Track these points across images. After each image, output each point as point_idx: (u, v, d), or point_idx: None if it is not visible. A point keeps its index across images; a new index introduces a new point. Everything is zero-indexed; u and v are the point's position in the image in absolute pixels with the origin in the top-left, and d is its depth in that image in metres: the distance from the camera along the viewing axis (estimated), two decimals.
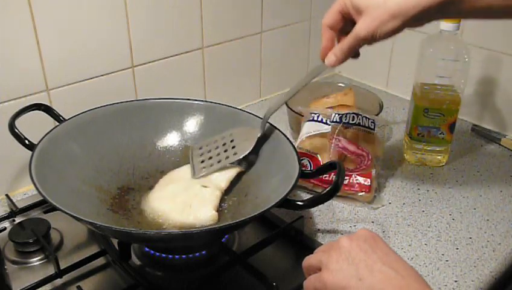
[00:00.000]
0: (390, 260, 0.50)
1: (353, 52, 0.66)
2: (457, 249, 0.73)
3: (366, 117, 0.86)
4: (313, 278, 0.52)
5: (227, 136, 0.77)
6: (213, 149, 0.77)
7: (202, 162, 0.76)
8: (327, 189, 0.62)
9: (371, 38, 0.62)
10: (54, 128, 0.72)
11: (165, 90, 0.96)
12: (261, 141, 0.76)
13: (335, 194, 0.63)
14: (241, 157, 0.74)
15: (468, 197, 0.84)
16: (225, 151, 0.75)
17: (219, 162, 0.74)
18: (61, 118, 0.77)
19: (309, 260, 0.55)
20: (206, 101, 0.83)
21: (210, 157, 0.76)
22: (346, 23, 0.66)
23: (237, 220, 0.60)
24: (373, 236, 0.52)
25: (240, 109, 0.82)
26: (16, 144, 0.71)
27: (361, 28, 0.62)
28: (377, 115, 0.95)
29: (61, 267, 0.65)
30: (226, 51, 1.04)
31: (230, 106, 0.81)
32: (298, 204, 0.64)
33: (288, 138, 0.74)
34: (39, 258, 0.70)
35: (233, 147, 0.75)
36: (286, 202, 0.62)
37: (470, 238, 0.75)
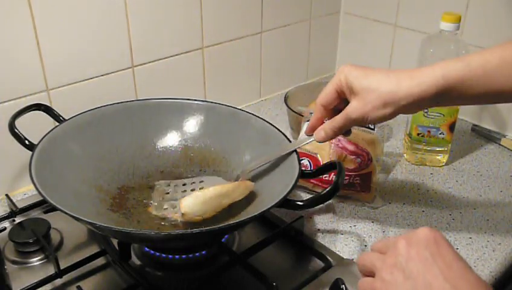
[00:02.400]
0: (454, 275, 0.43)
1: (343, 131, 0.66)
2: (457, 249, 0.73)
3: None
4: (366, 284, 0.48)
5: (197, 182, 0.74)
6: (180, 192, 0.73)
7: (165, 195, 0.72)
8: (327, 189, 0.62)
9: (362, 121, 0.63)
10: (53, 128, 0.72)
11: (165, 90, 0.96)
12: (261, 141, 0.76)
13: (335, 194, 0.63)
14: None
15: (468, 197, 0.84)
16: (192, 190, 0.72)
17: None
18: (61, 118, 0.77)
19: (363, 260, 0.50)
20: (206, 101, 0.83)
21: (175, 192, 0.73)
22: (341, 101, 0.65)
23: (237, 220, 0.60)
24: (436, 240, 0.45)
25: (240, 109, 0.82)
26: (16, 144, 0.71)
27: (354, 110, 0.62)
28: None
29: (61, 267, 0.65)
30: (226, 51, 1.04)
31: (230, 106, 0.81)
32: (298, 204, 0.64)
33: (288, 138, 0.74)
34: (39, 258, 0.70)
35: (201, 189, 0.71)
36: (286, 202, 0.62)
37: (470, 238, 0.75)
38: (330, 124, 0.66)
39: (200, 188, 0.72)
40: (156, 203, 0.72)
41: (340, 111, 0.65)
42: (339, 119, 0.64)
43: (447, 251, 0.45)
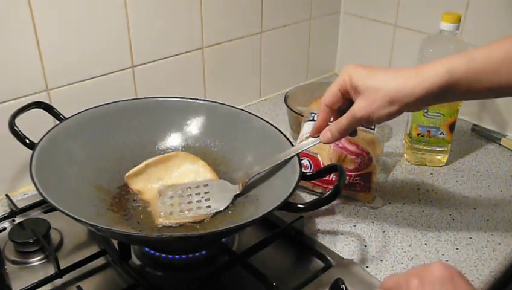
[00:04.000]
0: None
1: (349, 131, 0.66)
2: (457, 249, 0.73)
3: None
4: None
5: (202, 186, 0.74)
6: (185, 195, 0.73)
7: (171, 205, 0.71)
8: (328, 192, 0.62)
9: (367, 120, 0.62)
10: (54, 127, 0.72)
11: (165, 90, 0.96)
12: (261, 141, 0.76)
13: (336, 198, 0.63)
14: (213, 212, 0.70)
15: (468, 197, 0.84)
16: (198, 201, 0.71)
17: (189, 210, 0.70)
18: (61, 116, 0.77)
19: None
20: (207, 101, 0.83)
21: (180, 203, 0.71)
22: (345, 101, 0.65)
23: (237, 224, 0.60)
24: (452, 277, 0.42)
25: (241, 109, 0.82)
26: (16, 144, 0.71)
27: (359, 109, 0.62)
28: None
29: (61, 267, 0.65)
30: (226, 51, 1.04)
31: (231, 106, 0.81)
32: (299, 207, 0.64)
33: (288, 138, 0.74)
34: (39, 258, 0.70)
35: (207, 200, 0.71)
36: (287, 205, 0.62)
37: (470, 238, 0.75)
38: (335, 126, 0.65)
39: (205, 194, 0.72)
40: (163, 213, 0.70)
41: (345, 111, 0.65)
42: (344, 120, 0.64)
43: (464, 289, 0.42)
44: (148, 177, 0.75)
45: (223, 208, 0.70)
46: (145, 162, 0.76)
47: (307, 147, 0.71)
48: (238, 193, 0.71)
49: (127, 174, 0.75)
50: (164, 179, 0.76)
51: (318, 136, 0.68)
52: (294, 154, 0.70)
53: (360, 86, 0.61)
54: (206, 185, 0.74)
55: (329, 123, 0.68)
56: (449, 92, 0.58)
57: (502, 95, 0.60)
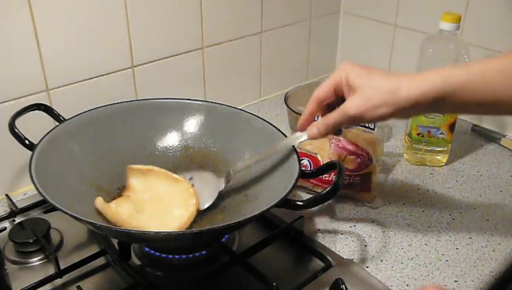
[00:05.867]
0: None
1: (337, 128, 0.65)
2: (457, 249, 0.73)
3: None
4: None
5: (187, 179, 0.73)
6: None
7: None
8: (327, 189, 0.62)
9: (359, 119, 0.61)
10: (53, 128, 0.72)
11: (165, 90, 0.96)
12: (261, 141, 0.76)
13: (335, 195, 0.63)
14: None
15: (468, 197, 0.84)
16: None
17: None
18: (61, 118, 0.77)
19: None
20: (206, 101, 0.83)
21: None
22: (337, 99, 0.65)
23: (237, 220, 0.60)
24: None
25: (240, 109, 0.82)
26: (16, 144, 0.71)
27: (352, 106, 0.61)
28: None
29: (61, 267, 0.65)
30: (226, 51, 1.04)
31: (231, 106, 0.81)
32: (298, 204, 0.64)
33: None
34: (39, 258, 0.70)
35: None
36: (286, 202, 0.62)
37: (470, 238, 0.75)
38: (324, 121, 0.65)
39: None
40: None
41: (332, 109, 0.64)
42: (334, 115, 0.63)
43: None
44: (143, 181, 0.73)
45: (207, 206, 0.70)
46: (153, 167, 0.73)
47: (295, 143, 0.70)
48: (222, 188, 0.71)
49: (129, 166, 0.73)
50: (156, 192, 0.72)
51: (305, 130, 0.67)
52: (284, 148, 0.70)
53: (356, 85, 0.61)
54: (191, 178, 0.73)
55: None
56: (442, 101, 0.58)
57: (493, 111, 0.60)
